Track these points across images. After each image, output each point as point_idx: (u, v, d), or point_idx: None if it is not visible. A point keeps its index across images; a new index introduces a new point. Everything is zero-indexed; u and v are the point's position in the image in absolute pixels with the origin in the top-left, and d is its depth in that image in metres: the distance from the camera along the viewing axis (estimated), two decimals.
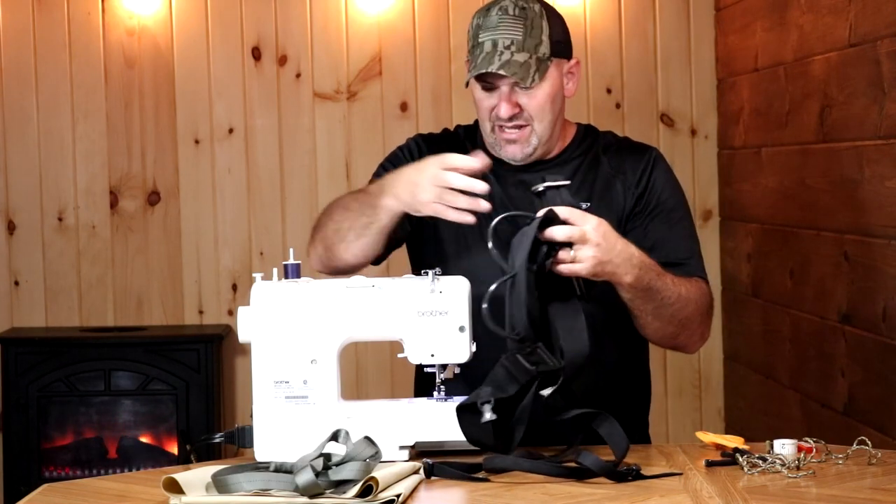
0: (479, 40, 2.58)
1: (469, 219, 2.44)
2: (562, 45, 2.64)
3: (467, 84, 2.65)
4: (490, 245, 2.32)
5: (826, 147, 3.76)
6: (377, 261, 2.70)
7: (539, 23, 2.59)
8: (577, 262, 2.35)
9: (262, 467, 2.17)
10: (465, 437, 2.31)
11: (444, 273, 2.42)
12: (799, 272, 4.05)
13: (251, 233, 5.02)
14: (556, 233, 2.33)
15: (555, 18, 2.63)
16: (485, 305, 2.28)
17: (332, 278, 2.50)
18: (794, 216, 4.08)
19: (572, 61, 2.67)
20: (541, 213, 2.34)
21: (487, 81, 2.59)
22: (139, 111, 5.00)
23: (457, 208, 2.43)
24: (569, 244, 2.34)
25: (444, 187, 2.42)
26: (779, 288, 4.25)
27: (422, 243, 2.73)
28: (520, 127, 2.62)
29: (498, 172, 2.72)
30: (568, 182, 2.41)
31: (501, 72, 2.54)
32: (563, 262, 2.34)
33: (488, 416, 2.26)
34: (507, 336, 2.30)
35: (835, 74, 3.68)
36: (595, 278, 2.39)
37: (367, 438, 2.19)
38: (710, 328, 2.68)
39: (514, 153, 2.65)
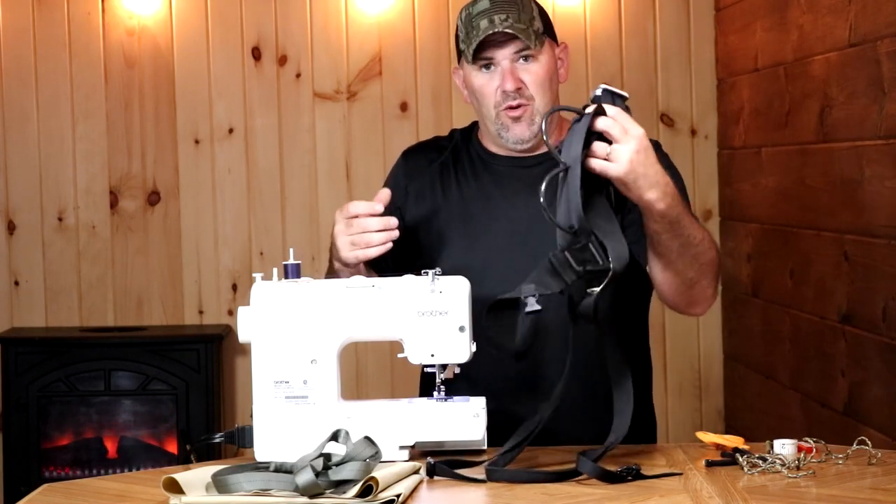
0: (473, 24, 2.64)
1: (388, 246, 2.52)
2: (550, 27, 2.71)
3: (471, 59, 2.66)
4: (544, 138, 2.27)
5: (826, 147, 3.76)
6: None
7: (528, 4, 2.67)
8: (611, 161, 2.26)
9: (262, 467, 2.17)
10: (490, 338, 2.31)
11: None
12: (799, 272, 4.05)
13: (251, 233, 5.02)
14: (598, 122, 2.25)
15: (538, 5, 2.71)
16: (542, 200, 2.21)
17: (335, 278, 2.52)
18: (794, 216, 4.08)
19: (561, 45, 2.73)
20: (591, 108, 2.26)
21: (487, 58, 2.63)
22: (139, 111, 5.00)
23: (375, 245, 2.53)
24: (608, 142, 2.26)
25: (360, 233, 2.52)
26: (779, 288, 4.25)
27: (420, 256, 2.75)
28: (522, 106, 2.65)
29: (495, 171, 2.73)
30: (627, 94, 2.32)
31: (508, 30, 2.59)
32: (597, 156, 2.26)
33: (532, 306, 2.23)
34: (562, 228, 2.23)
35: (835, 74, 3.68)
36: (624, 189, 2.30)
37: (367, 438, 2.19)
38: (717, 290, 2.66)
39: (521, 133, 2.66)
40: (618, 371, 2.31)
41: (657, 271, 2.55)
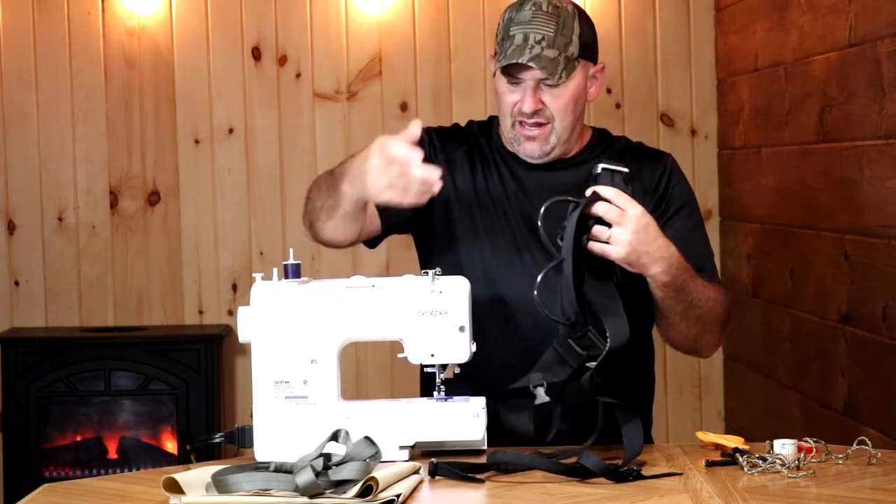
0: (510, 33, 2.59)
1: (424, 201, 2.37)
2: (590, 47, 2.65)
3: (494, 74, 2.66)
4: (540, 226, 2.34)
5: (826, 147, 3.76)
6: (372, 243, 2.73)
7: (570, 23, 2.61)
8: (611, 244, 2.35)
9: (262, 467, 2.17)
10: (506, 425, 2.36)
11: (456, 268, 2.42)
12: (799, 272, 4.05)
13: (251, 233, 5.02)
14: (595, 208, 2.34)
15: (585, 21, 2.65)
16: (535, 293, 2.31)
17: (333, 279, 2.50)
18: (794, 216, 4.08)
19: (598, 65, 2.70)
20: (589, 191, 2.35)
21: (513, 76, 2.60)
22: (139, 111, 5.00)
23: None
24: (608, 225, 2.34)
25: (399, 176, 2.33)
26: (779, 288, 4.25)
27: (430, 234, 2.72)
28: (540, 125, 2.63)
29: (514, 170, 2.71)
30: (626, 170, 2.40)
31: (531, 64, 2.55)
32: (598, 240, 2.34)
33: (541, 398, 2.30)
34: (559, 321, 2.32)
35: (835, 74, 3.68)
36: (628, 267, 2.38)
37: (367, 438, 2.19)
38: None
39: (532, 150, 2.65)
40: (628, 413, 2.33)
41: (661, 328, 2.63)
